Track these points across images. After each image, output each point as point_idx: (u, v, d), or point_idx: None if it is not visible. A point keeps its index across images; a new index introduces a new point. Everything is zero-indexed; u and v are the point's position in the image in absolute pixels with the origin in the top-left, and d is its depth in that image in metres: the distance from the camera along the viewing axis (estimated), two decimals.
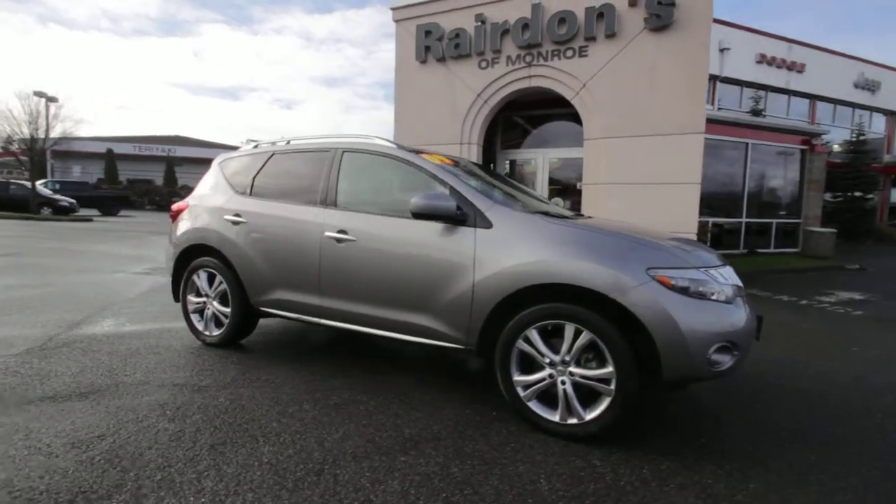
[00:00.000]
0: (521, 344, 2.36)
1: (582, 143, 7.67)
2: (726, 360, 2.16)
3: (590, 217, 3.25)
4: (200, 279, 3.53)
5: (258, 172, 3.45)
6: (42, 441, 2.10)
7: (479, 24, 7.41)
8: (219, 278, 3.44)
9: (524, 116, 9.27)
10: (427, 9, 7.82)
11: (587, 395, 2.27)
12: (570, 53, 6.97)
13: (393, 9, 8.14)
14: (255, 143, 3.74)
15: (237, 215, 3.33)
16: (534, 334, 2.33)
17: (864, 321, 5.22)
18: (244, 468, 1.95)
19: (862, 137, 18.15)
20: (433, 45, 7.79)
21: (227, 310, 3.43)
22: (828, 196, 16.51)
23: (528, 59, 7.26)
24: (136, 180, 35.20)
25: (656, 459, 2.13)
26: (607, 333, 2.15)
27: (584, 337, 2.20)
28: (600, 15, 6.65)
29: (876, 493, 1.92)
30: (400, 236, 2.71)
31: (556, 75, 7.15)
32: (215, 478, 1.88)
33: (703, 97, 6.38)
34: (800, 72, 17.19)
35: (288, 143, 3.53)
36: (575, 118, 8.24)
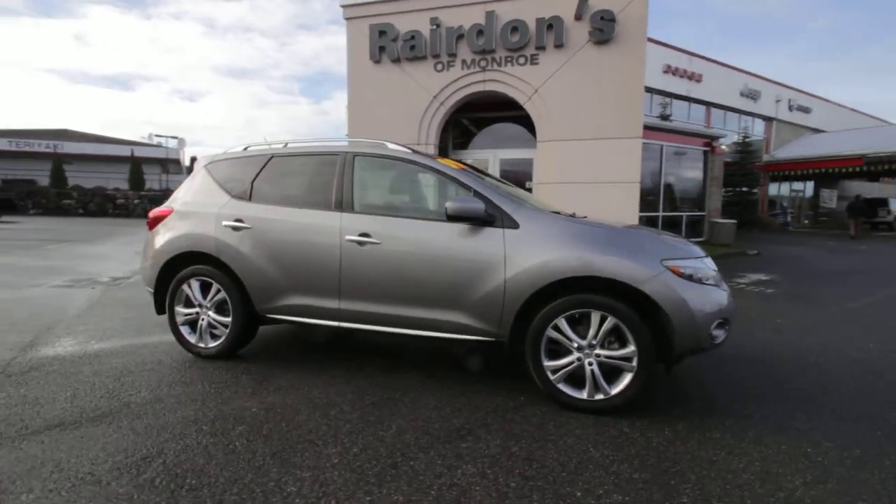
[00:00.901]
0: (551, 332, 2.61)
1: (528, 145, 8.16)
2: (721, 334, 2.59)
3: (584, 216, 3.58)
4: (192, 289, 3.35)
5: (257, 176, 3.35)
6: (81, 470, 1.96)
7: (435, 27, 7.58)
8: (215, 287, 3.29)
9: (473, 119, 9.61)
10: (380, 9, 7.82)
11: (609, 373, 2.58)
12: (522, 60, 7.39)
13: (344, 6, 8.02)
14: (245, 146, 3.60)
15: (238, 220, 3.21)
16: (563, 323, 2.59)
17: (777, 298, 6.23)
18: (318, 470, 1.99)
19: (747, 140, 21.07)
20: (388, 46, 7.82)
21: (226, 319, 3.29)
22: (721, 191, 18.95)
23: (482, 63, 7.57)
24: (13, 180, 30.45)
25: (672, 423, 2.49)
26: (630, 318, 2.47)
27: (609, 322, 2.51)
28: (549, 26, 7.14)
29: (839, 434, 2.44)
30: (426, 238, 2.83)
31: (510, 80, 7.54)
32: (295, 483, 1.90)
33: (640, 105, 7.13)
34: (698, 81, 19.51)
35: (285, 145, 3.46)
36: (521, 120, 8.72)
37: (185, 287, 3.36)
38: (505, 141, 9.45)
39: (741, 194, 20.91)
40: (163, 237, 3.42)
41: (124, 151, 33.07)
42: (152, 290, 3.49)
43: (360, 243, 2.91)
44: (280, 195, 3.26)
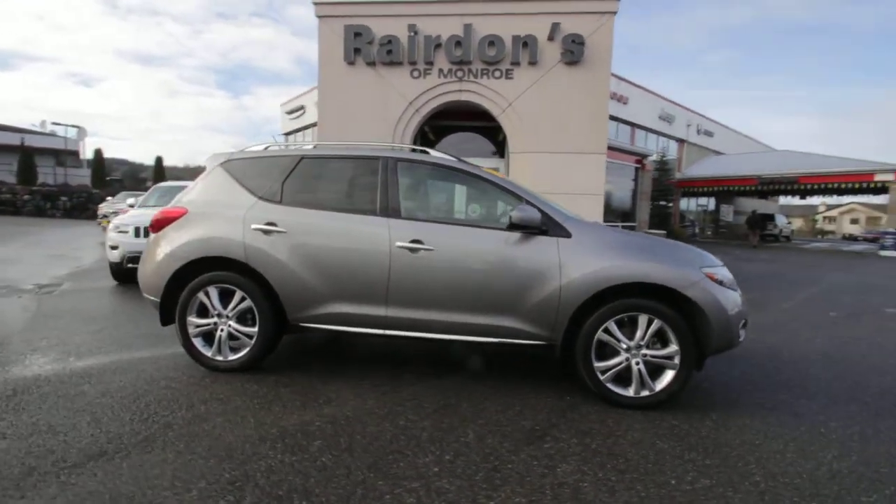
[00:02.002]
0: (601, 334, 2.79)
1: (489, 155, 8.47)
2: (744, 334, 2.94)
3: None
4: (210, 297, 3.09)
5: (287, 177, 3.18)
6: (173, 498, 1.76)
7: (412, 34, 7.62)
8: (239, 295, 3.06)
9: (434, 127, 9.73)
10: (356, 10, 7.69)
11: (652, 371, 2.82)
12: (497, 74, 7.67)
13: (316, 3, 7.77)
14: (265, 145, 3.40)
15: (271, 224, 3.03)
16: (612, 325, 2.78)
17: None
18: (426, 480, 1.97)
19: (664, 159, 23.43)
20: (364, 49, 7.70)
21: (250, 329, 3.08)
22: (649, 205, 20.92)
23: (459, 74, 7.74)
24: None
25: (706, 414, 2.78)
26: (674, 320, 2.72)
27: (656, 324, 2.74)
28: (525, 44, 7.50)
29: (838, 415, 2.87)
30: (480, 245, 2.89)
31: (486, 93, 7.79)
32: (411, 494, 1.87)
33: (605, 123, 7.72)
34: (625, 103, 21.34)
35: (314, 147, 3.33)
36: (482, 131, 9.02)
37: (200, 295, 3.09)
38: (466, 151, 9.69)
39: (659, 208, 23.17)
40: (175, 240, 3.12)
41: (11, 140, 28.76)
42: (158, 300, 3.16)
43: (413, 250, 2.89)
44: (316, 198, 3.13)
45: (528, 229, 2.80)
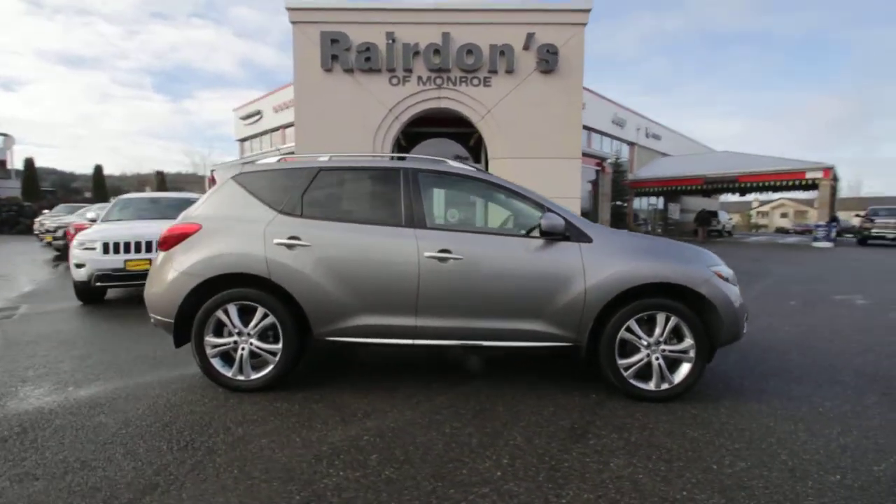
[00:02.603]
0: (624, 333, 2.96)
1: (455, 159, 8.60)
2: (746, 326, 3.19)
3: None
4: (229, 315, 2.99)
5: (306, 191, 3.13)
6: None
7: (390, 41, 7.63)
8: (260, 311, 2.99)
9: (408, 133, 9.76)
10: (333, 16, 7.61)
11: (670, 365, 3.01)
12: (475, 82, 7.83)
13: (290, 9, 7.61)
14: (278, 157, 3.33)
15: (294, 238, 2.97)
16: (633, 324, 2.95)
17: None
18: (493, 484, 2.02)
19: (618, 161, 24.59)
20: (341, 55, 7.63)
21: (273, 346, 3.01)
22: (609, 205, 21.87)
23: (438, 81, 7.83)
24: None
25: (717, 403, 3.00)
26: (689, 316, 2.93)
27: (673, 321, 2.94)
28: (502, 53, 7.70)
29: (829, 395, 3.18)
30: (507, 252, 2.98)
31: (464, 100, 7.92)
32: (480, 497, 1.92)
33: (579, 129, 8.05)
34: (583, 108, 22.22)
35: (329, 159, 3.30)
36: (454, 136, 9.17)
37: (218, 314, 2.98)
38: (440, 156, 9.80)
39: (617, 208, 24.28)
40: (190, 258, 2.99)
41: None
42: (171, 320, 3.02)
43: (442, 259, 2.94)
44: (338, 211, 3.11)
45: (553, 236, 2.93)
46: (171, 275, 3.02)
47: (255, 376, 3.03)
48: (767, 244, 23.37)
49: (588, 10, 7.62)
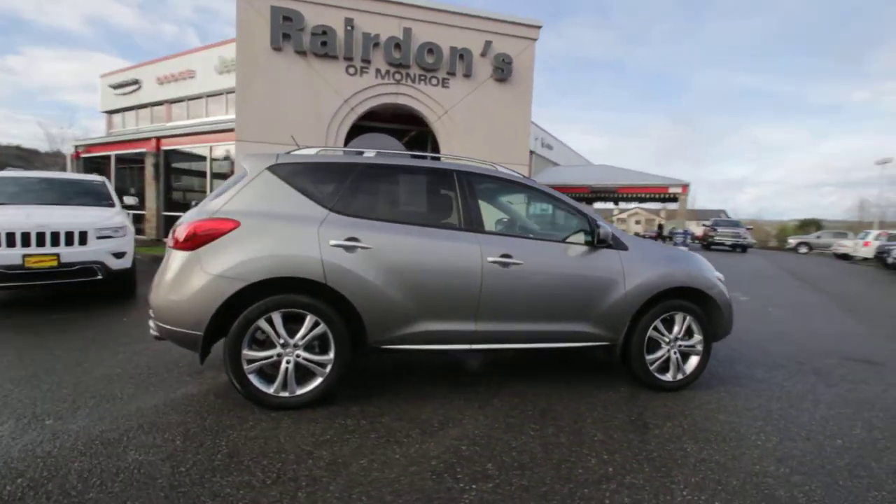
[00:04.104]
0: (651, 332, 3.32)
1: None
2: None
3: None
4: (274, 324, 2.66)
5: (356, 188, 2.90)
6: None
7: (349, 28, 7.26)
8: (310, 320, 2.70)
9: (358, 126, 9.38)
10: None
11: (682, 358, 3.46)
12: (434, 82, 7.84)
13: None
14: (316, 149, 3.02)
15: (353, 240, 2.74)
16: (659, 323, 3.33)
17: None
18: (610, 478, 2.16)
19: None
20: (294, 35, 7.03)
21: (322, 357, 2.76)
22: None
23: (397, 77, 7.66)
24: None
25: (717, 390, 3.52)
26: (700, 316, 3.40)
27: (688, 320, 3.38)
28: (461, 56, 7.83)
29: (804, 379, 3.93)
30: (561, 257, 3.13)
31: (423, 98, 7.88)
32: (611, 492, 2.05)
33: (528, 137, 8.54)
34: None
35: (376, 155, 3.10)
36: (390, 132, 9.18)
37: (261, 323, 2.64)
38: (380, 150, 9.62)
39: None
40: (228, 258, 2.58)
41: None
42: (199, 333, 2.57)
43: (504, 264, 2.97)
44: (393, 211, 2.95)
45: (604, 244, 3.16)
46: (202, 279, 2.57)
47: (300, 392, 2.73)
48: None
49: (539, 27, 8.12)
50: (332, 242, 2.72)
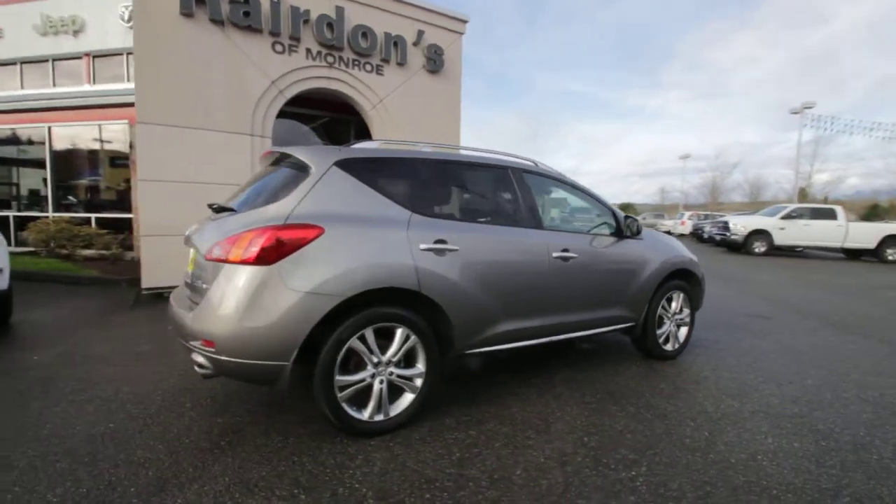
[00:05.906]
0: (660, 310, 3.80)
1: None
2: None
3: None
4: (367, 342, 2.36)
5: (430, 185, 2.70)
6: None
7: (276, 0, 6.45)
8: (401, 333, 2.47)
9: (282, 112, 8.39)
10: None
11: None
12: (368, 68, 7.45)
13: None
14: (375, 142, 2.70)
15: (441, 242, 2.55)
16: (665, 302, 3.84)
17: None
18: (697, 451, 2.49)
19: None
20: (209, 1, 5.97)
21: (412, 371, 2.55)
22: None
23: (329, 59, 7.07)
24: None
25: (703, 372, 4.20)
26: (690, 292, 4.01)
27: (682, 297, 3.96)
28: (395, 43, 7.56)
29: (785, 359, 4.84)
30: (604, 249, 3.38)
31: (357, 85, 7.43)
32: (709, 466, 2.38)
33: (458, 132, 8.66)
34: None
35: (434, 149, 2.90)
36: (303, 119, 8.70)
37: (354, 342, 2.32)
38: (296, 139, 8.84)
39: None
40: (318, 271, 2.20)
41: None
42: (287, 363, 2.16)
43: (565, 259, 3.09)
44: (467, 210, 2.84)
45: (638, 235, 3.49)
46: (289, 298, 2.14)
47: (395, 413, 2.48)
48: None
49: (465, 22, 8.25)
50: (423, 247, 2.51)
